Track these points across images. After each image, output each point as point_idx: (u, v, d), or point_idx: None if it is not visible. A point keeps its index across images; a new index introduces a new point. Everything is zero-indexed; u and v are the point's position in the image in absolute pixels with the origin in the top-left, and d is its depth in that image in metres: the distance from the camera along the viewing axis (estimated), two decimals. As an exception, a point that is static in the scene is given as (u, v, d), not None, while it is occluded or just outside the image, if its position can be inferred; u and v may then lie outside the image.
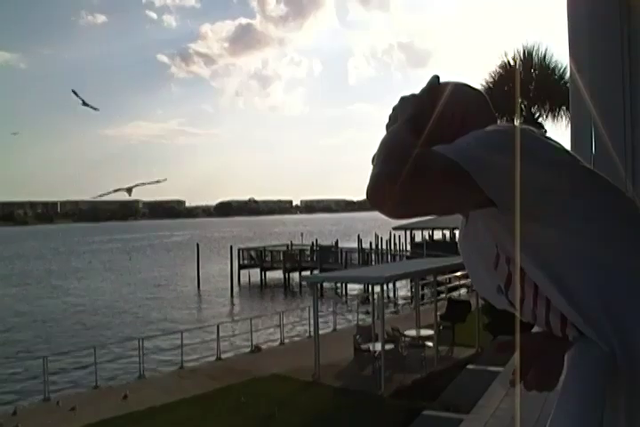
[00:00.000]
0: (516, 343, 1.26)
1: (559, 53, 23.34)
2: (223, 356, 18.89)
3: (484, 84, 25.31)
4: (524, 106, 24.36)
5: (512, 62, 24.76)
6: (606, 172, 2.43)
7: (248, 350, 19.52)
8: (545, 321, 1.28)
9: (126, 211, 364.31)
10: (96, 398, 15.42)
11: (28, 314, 32.86)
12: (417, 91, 1.41)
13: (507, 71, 24.79)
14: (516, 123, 23.54)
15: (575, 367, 1.22)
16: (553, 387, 1.21)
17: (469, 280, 22.88)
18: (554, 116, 24.30)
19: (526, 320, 1.36)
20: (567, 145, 2.74)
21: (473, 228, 1.37)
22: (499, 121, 1.49)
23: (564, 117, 24.00)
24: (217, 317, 28.42)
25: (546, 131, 24.59)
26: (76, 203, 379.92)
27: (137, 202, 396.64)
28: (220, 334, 19.29)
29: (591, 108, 2.34)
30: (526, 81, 23.97)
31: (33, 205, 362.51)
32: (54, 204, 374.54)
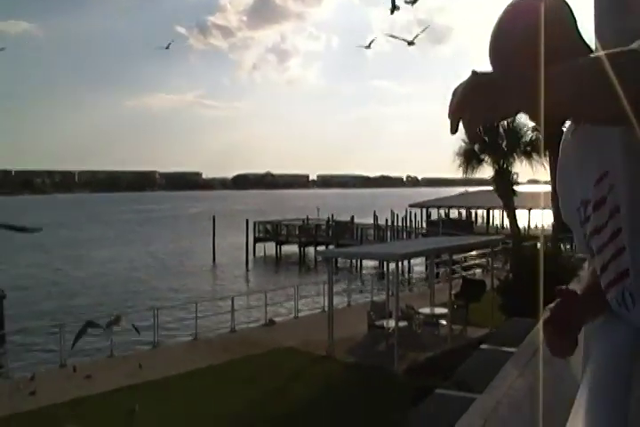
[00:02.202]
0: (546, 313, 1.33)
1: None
2: (237, 328, 19.03)
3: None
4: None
5: None
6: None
7: (262, 322, 19.66)
8: (602, 266, 1.23)
9: (143, 181, 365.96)
10: (111, 366, 15.63)
11: (49, 283, 33.23)
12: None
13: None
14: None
15: (604, 355, 1.22)
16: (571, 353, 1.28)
17: (484, 260, 22.93)
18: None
19: (581, 252, 1.42)
20: None
21: (593, 129, 1.20)
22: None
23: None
24: (232, 289, 28.65)
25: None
26: (93, 173, 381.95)
27: (154, 173, 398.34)
28: (235, 307, 19.41)
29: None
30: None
31: (51, 173, 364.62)
32: (72, 173, 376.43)
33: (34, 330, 20.30)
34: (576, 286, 1.39)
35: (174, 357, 16.15)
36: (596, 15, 2.46)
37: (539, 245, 29.10)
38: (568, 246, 28.75)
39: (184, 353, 16.53)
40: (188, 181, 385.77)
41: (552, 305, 1.31)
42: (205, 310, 20.68)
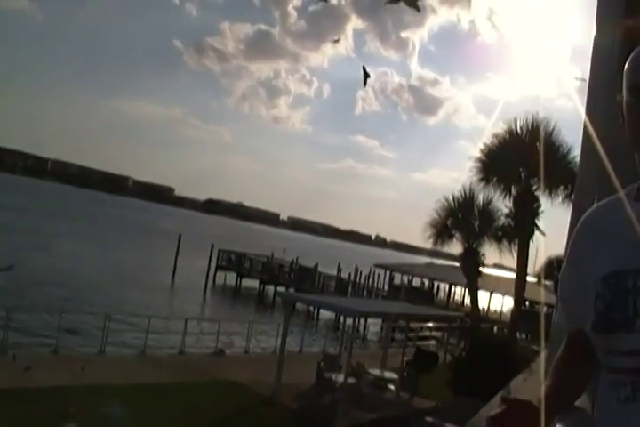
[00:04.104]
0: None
1: (567, 134, 23.65)
2: (186, 351, 18.81)
3: (488, 144, 25.54)
4: (524, 175, 24.58)
5: (519, 130, 25.03)
6: None
7: (212, 351, 19.45)
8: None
9: (115, 184, 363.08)
10: (54, 362, 15.33)
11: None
12: None
13: (512, 138, 25.02)
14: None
15: None
16: None
17: (440, 333, 23.00)
18: (551, 192, 24.52)
19: (573, 327, 1.38)
20: (566, 223, 2.71)
21: None
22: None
23: (560, 196, 24.26)
24: (186, 311, 28.29)
25: (540, 205, 24.87)
26: (66, 164, 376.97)
27: (127, 178, 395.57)
28: (187, 330, 19.22)
29: (596, 188, 2.31)
30: (530, 152, 24.21)
31: (24, 155, 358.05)
32: (45, 159, 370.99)
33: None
34: (523, 392, 1.45)
35: (118, 367, 15.89)
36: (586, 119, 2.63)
37: (495, 329, 29.35)
38: (524, 336, 29.10)
39: (129, 366, 16.28)
40: (160, 194, 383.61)
41: (495, 413, 1.22)
42: (157, 328, 20.39)
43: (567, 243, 2.64)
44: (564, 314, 1.44)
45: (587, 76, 2.62)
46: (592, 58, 2.59)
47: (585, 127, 2.51)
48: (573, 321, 1.38)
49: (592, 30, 2.58)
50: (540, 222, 24.55)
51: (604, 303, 1.22)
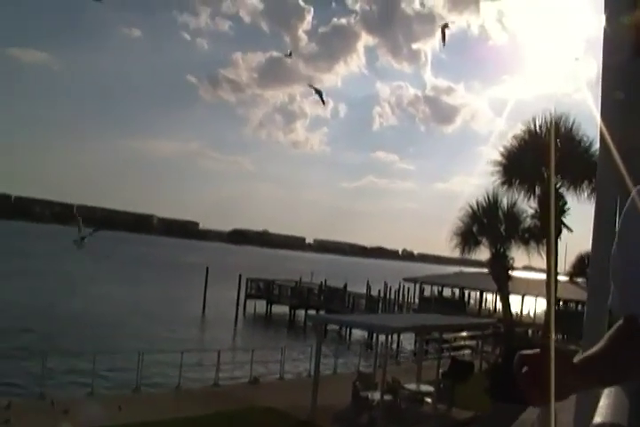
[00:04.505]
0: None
1: (587, 128, 23.38)
2: (221, 382, 18.85)
3: (508, 146, 25.43)
4: (546, 175, 24.34)
5: (538, 130, 24.86)
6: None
7: (246, 380, 19.47)
8: None
9: (140, 223, 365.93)
10: (90, 404, 15.44)
11: (39, 314, 32.94)
12: None
13: (532, 138, 24.87)
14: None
15: None
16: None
17: (474, 342, 22.81)
18: (575, 188, 24.27)
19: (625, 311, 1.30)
20: (590, 218, 2.76)
21: None
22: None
23: (585, 191, 24.00)
24: (219, 343, 28.35)
25: (566, 202, 24.62)
26: (91, 208, 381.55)
27: (152, 216, 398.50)
28: (220, 361, 19.28)
29: (618, 181, 2.30)
30: (550, 150, 24.03)
31: (50, 204, 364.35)
32: (70, 206, 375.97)
33: (14, 359, 20.12)
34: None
35: (154, 403, 15.98)
36: (602, 116, 2.65)
37: (530, 332, 29.05)
38: (560, 336, 28.70)
39: (164, 401, 16.36)
40: (185, 230, 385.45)
41: (527, 353, 1.16)
42: (190, 361, 20.49)
43: (593, 237, 2.69)
44: (618, 297, 1.35)
45: (598, 67, 2.63)
46: (603, 49, 2.61)
47: (600, 120, 2.52)
48: (628, 305, 1.30)
49: (602, 22, 2.61)
50: (568, 219, 24.39)
51: None
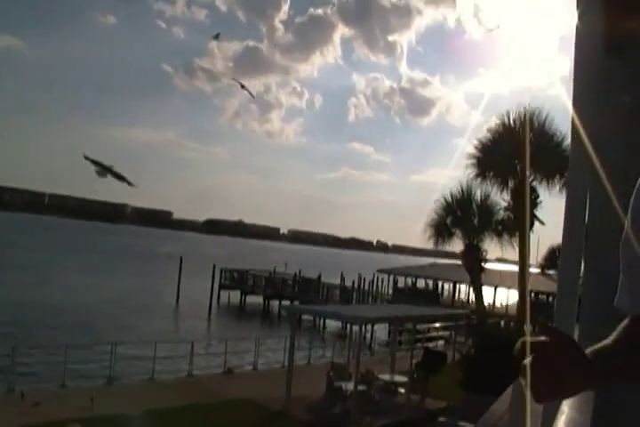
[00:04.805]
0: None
1: (561, 123, 23.56)
2: (195, 373, 18.80)
3: (482, 139, 25.60)
4: (520, 168, 24.56)
5: (512, 123, 25.04)
6: (598, 239, 2.56)
7: (220, 370, 19.43)
8: None
9: (114, 213, 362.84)
10: (62, 396, 15.31)
11: (11, 305, 32.54)
12: None
13: (505, 131, 25.05)
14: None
15: None
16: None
17: (447, 333, 22.97)
18: (548, 182, 24.51)
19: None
20: (561, 212, 2.79)
21: None
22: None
23: (557, 185, 24.25)
24: (192, 333, 28.30)
25: (538, 195, 24.87)
26: (64, 197, 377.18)
27: (126, 206, 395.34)
28: (194, 352, 19.23)
29: (589, 175, 2.40)
30: (524, 143, 24.20)
31: (20, 192, 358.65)
32: (42, 194, 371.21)
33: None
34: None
35: (128, 395, 15.87)
36: (574, 104, 2.67)
37: (502, 323, 29.34)
38: (532, 327, 28.98)
39: (138, 393, 16.25)
40: (159, 219, 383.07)
41: (534, 340, 1.01)
42: (164, 352, 20.37)
43: (564, 230, 2.70)
44: (629, 292, 1.17)
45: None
46: (575, 46, 2.61)
47: (573, 115, 2.52)
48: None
49: (575, 19, 2.61)
50: (539, 213, 24.63)
51: None
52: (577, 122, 2.50)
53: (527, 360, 0.97)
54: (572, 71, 2.56)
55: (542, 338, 0.99)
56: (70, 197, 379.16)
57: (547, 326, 1.03)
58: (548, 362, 0.96)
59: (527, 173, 22.87)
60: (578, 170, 2.51)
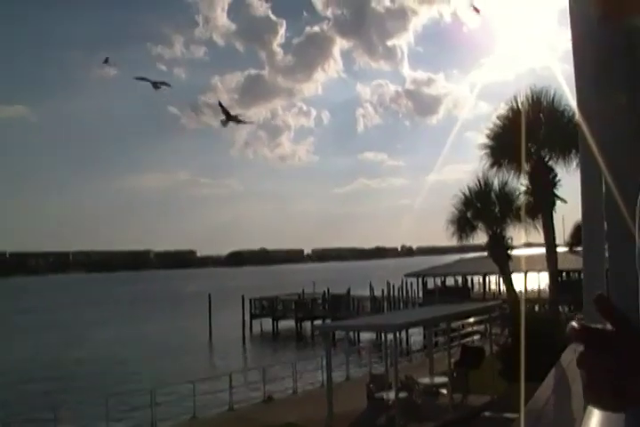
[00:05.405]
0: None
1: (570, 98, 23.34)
2: (235, 406, 18.69)
3: (493, 128, 25.50)
4: (534, 150, 24.36)
5: (520, 106, 24.92)
6: (617, 215, 2.49)
7: (260, 399, 19.31)
8: None
9: (137, 261, 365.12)
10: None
11: (47, 366, 32.73)
12: None
13: (515, 115, 24.91)
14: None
15: None
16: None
17: (482, 327, 22.74)
18: (564, 159, 24.28)
19: None
20: (577, 187, 2.77)
21: None
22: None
23: (574, 160, 23.99)
24: (229, 366, 28.18)
25: (556, 174, 24.66)
26: (87, 253, 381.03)
27: (148, 252, 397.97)
28: (233, 384, 19.13)
29: (599, 153, 2.35)
30: (535, 125, 24.03)
31: (45, 255, 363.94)
32: (66, 254, 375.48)
33: (29, 414, 19.94)
34: None
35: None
36: (577, 84, 2.62)
37: (537, 308, 28.97)
38: (566, 308, 28.71)
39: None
40: (183, 260, 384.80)
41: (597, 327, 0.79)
42: (204, 390, 20.24)
43: (582, 204, 2.67)
44: None
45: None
46: (570, 19, 2.56)
47: (576, 88, 2.51)
48: None
49: None
50: (560, 191, 24.43)
51: None
52: (580, 95, 2.51)
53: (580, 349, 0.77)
54: (572, 46, 2.53)
55: (605, 327, 0.78)
56: (93, 252, 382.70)
57: (610, 308, 0.79)
58: (608, 360, 0.75)
59: (523, 148, 22.68)
60: (587, 143, 2.45)
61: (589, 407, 1.08)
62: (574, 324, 0.78)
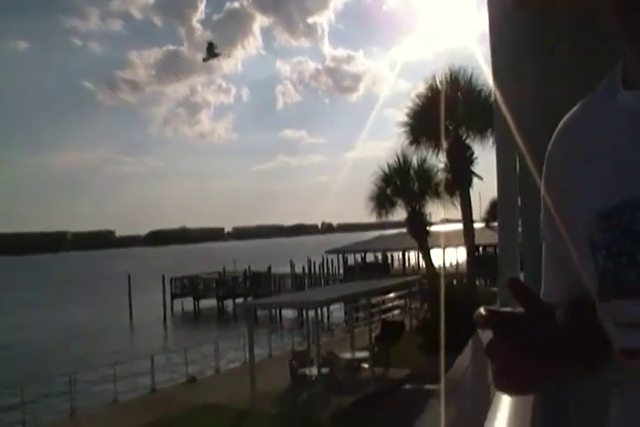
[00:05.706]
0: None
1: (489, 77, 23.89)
2: (158, 387, 18.48)
3: (412, 106, 25.85)
4: (452, 128, 24.85)
5: (439, 85, 25.34)
6: (531, 191, 2.55)
7: (184, 380, 19.15)
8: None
9: (54, 242, 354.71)
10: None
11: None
12: None
13: (433, 94, 25.33)
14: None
15: None
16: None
17: (402, 302, 23.17)
18: (481, 137, 24.90)
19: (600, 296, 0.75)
20: (493, 165, 2.86)
21: None
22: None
23: (490, 138, 24.61)
24: (151, 348, 27.75)
25: (473, 152, 25.25)
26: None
27: (65, 233, 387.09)
28: (155, 366, 18.90)
29: (514, 128, 2.40)
30: (453, 104, 24.49)
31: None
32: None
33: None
34: None
35: (93, 423, 15.51)
36: (493, 60, 2.64)
37: (455, 282, 29.72)
38: (483, 281, 29.61)
39: (101, 419, 15.90)
40: (102, 240, 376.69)
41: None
42: (125, 372, 19.86)
43: (497, 182, 2.74)
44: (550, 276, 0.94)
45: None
46: (487, 1, 2.57)
47: (492, 69, 2.57)
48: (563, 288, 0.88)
49: None
50: (477, 168, 25.03)
51: (608, 256, 0.73)
52: (496, 76, 2.56)
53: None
54: (489, 29, 2.57)
55: (512, 310, 0.78)
56: (5, 235, 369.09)
57: (524, 291, 0.78)
58: (520, 343, 0.74)
59: (443, 126, 23.16)
60: (502, 124, 2.49)
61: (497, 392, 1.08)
62: (482, 310, 0.76)
